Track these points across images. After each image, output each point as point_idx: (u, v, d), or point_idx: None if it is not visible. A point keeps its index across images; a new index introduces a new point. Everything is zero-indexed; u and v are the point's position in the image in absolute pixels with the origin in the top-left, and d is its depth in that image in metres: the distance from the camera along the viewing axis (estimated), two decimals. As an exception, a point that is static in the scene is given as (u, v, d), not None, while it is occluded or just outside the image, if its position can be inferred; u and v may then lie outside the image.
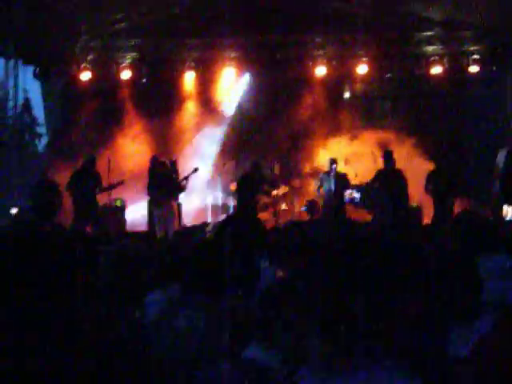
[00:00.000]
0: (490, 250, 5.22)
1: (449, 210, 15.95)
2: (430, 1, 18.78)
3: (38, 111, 24.63)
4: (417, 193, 16.98)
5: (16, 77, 20.59)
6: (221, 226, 6.31)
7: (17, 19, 18.24)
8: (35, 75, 20.88)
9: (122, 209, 18.20)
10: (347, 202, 17.60)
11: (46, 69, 20.63)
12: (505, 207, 15.68)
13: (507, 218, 15.07)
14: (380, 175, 16.89)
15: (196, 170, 17.28)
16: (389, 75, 20.46)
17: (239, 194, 17.39)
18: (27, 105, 31.92)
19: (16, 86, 20.71)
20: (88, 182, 16.20)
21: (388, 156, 16.92)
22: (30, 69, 20.83)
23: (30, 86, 22.99)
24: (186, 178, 17.02)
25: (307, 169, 19.65)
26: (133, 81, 20.39)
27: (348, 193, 17.39)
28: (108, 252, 5.45)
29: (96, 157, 16.97)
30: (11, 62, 20.37)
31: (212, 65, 20.40)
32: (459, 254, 4.77)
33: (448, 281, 4.30)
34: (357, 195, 17.58)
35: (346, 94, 21.40)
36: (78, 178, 16.14)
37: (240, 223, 6.57)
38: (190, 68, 20.30)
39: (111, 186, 16.85)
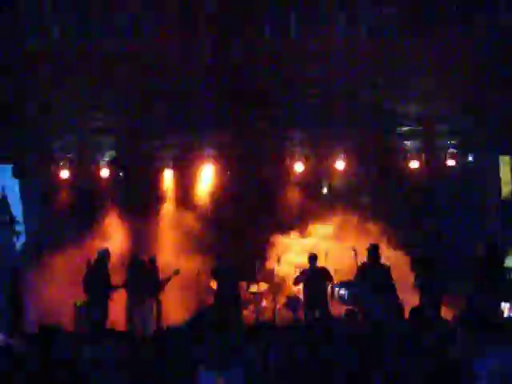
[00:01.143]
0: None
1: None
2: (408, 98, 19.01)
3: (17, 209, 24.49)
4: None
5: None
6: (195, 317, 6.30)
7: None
8: (13, 173, 20.84)
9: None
10: (336, 300, 17.50)
11: (23, 167, 20.60)
12: (502, 304, 15.68)
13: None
14: (364, 270, 16.76)
15: (177, 272, 17.34)
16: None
17: (218, 285, 17.51)
18: (5, 203, 31.82)
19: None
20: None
21: (373, 250, 16.81)
22: (8, 167, 20.85)
23: (8, 184, 22.85)
24: (168, 280, 17.24)
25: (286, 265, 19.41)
26: (111, 179, 20.55)
27: (336, 291, 17.24)
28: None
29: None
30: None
31: (190, 163, 20.61)
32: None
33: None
34: (343, 292, 17.34)
35: (324, 190, 21.34)
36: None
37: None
38: (168, 166, 20.59)
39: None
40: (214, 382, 4.94)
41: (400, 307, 15.84)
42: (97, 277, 17.03)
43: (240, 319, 17.09)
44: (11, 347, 8.93)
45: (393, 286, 16.45)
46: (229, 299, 17.17)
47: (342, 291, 17.40)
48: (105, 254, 17.34)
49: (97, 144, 20.44)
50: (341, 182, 20.99)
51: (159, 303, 17.46)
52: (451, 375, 4.80)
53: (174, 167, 20.69)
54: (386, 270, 16.53)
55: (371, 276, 16.48)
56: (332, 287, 17.64)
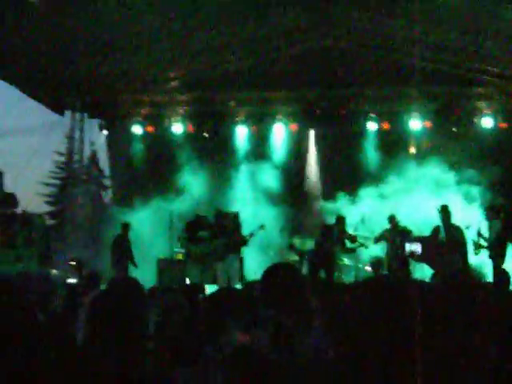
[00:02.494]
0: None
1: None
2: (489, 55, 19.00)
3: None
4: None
5: (82, 130, 21.44)
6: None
7: (84, 74, 19.09)
8: (100, 128, 21.53)
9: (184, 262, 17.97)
10: (408, 256, 17.16)
11: (110, 122, 21.28)
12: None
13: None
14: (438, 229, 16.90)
15: (262, 226, 17.12)
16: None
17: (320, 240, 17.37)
18: (94, 157, 32.67)
19: (82, 138, 21.55)
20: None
21: (444, 210, 16.95)
22: (96, 122, 21.60)
23: (97, 139, 23.59)
24: (252, 235, 17.04)
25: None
26: (186, 135, 21.05)
27: (408, 246, 17.24)
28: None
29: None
30: (77, 115, 21.21)
31: (265, 120, 20.97)
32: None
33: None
34: (418, 248, 17.27)
35: (412, 149, 21.10)
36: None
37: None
38: (242, 122, 20.88)
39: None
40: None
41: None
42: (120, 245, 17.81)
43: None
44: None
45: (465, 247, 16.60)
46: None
47: (416, 247, 16.95)
48: (126, 227, 18.03)
49: (170, 101, 21.09)
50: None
51: (241, 260, 17.43)
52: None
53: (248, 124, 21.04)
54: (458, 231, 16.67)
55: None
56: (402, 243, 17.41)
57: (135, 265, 17.85)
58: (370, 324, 2.78)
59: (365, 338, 2.79)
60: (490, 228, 16.49)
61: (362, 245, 17.74)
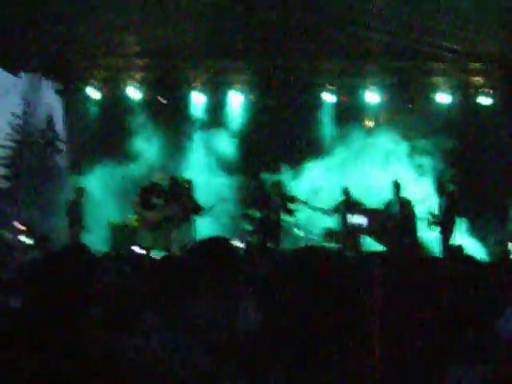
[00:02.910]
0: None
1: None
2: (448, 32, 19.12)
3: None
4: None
5: (38, 92, 21.23)
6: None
7: (41, 36, 18.89)
8: (57, 91, 21.36)
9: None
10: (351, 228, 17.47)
11: (67, 86, 21.11)
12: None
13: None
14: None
15: (212, 207, 17.11)
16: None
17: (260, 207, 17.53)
18: (50, 120, 32.41)
19: (38, 101, 21.37)
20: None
21: (396, 184, 17.29)
22: (53, 85, 21.41)
23: (53, 102, 23.43)
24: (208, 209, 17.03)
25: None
26: (143, 100, 20.98)
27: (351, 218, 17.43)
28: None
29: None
30: (34, 78, 20.99)
31: (221, 87, 20.92)
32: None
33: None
34: (363, 221, 17.47)
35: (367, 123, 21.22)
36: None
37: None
38: (198, 89, 20.85)
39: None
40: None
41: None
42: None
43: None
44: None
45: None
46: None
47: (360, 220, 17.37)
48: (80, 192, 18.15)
49: (127, 66, 21.00)
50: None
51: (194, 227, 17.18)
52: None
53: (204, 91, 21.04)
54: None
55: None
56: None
57: (85, 229, 17.80)
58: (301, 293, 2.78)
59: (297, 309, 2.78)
60: (440, 203, 16.77)
61: (303, 202, 17.73)
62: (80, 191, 18.00)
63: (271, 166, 19.74)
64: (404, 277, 4.76)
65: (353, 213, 17.34)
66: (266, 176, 18.75)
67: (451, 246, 14.87)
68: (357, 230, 17.07)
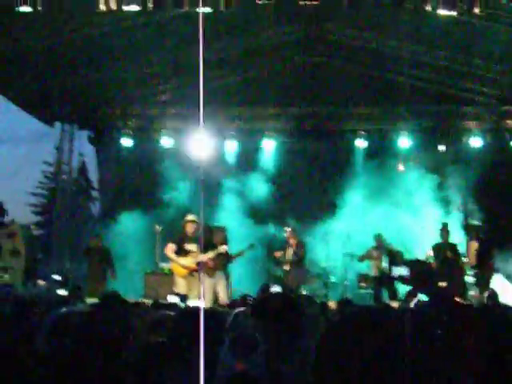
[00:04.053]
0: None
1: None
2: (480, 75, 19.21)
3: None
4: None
5: (71, 141, 21.41)
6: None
7: (73, 85, 19.11)
8: (90, 140, 21.52)
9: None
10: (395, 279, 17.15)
11: (100, 134, 21.27)
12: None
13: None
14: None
15: (252, 246, 16.82)
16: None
17: None
18: (83, 168, 32.67)
19: (71, 149, 21.52)
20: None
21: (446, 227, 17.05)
22: (86, 133, 21.60)
23: (86, 151, 23.63)
24: (240, 254, 16.82)
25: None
26: (175, 148, 20.96)
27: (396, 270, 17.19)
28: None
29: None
30: (67, 127, 21.19)
31: (253, 134, 21.08)
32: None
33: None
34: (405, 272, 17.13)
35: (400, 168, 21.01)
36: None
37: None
38: (232, 137, 20.97)
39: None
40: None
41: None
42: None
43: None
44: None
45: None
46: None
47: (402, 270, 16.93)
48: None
49: (158, 114, 21.20)
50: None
51: (228, 276, 16.82)
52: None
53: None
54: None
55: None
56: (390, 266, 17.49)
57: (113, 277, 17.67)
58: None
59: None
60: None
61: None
62: (95, 239, 17.89)
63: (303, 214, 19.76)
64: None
65: (396, 264, 17.11)
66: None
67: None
68: (400, 280, 16.83)
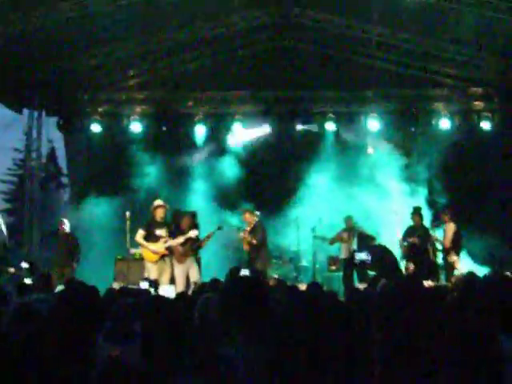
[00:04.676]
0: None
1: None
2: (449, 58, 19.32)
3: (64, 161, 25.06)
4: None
5: (39, 127, 21.25)
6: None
7: (41, 73, 18.97)
8: (58, 126, 21.35)
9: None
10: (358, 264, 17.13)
11: (68, 121, 21.12)
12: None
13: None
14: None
15: (220, 227, 16.94)
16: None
17: None
18: (52, 154, 32.48)
19: (39, 136, 21.36)
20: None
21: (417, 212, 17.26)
22: (55, 120, 21.42)
23: (55, 137, 23.47)
24: (208, 237, 16.80)
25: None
26: (144, 133, 20.90)
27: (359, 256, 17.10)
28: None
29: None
30: (35, 114, 21.03)
31: (223, 118, 20.99)
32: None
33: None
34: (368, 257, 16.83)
35: (370, 150, 21.06)
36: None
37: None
38: (201, 121, 20.78)
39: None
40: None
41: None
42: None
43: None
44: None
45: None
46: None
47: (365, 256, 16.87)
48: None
49: (128, 99, 21.05)
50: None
51: (199, 260, 16.92)
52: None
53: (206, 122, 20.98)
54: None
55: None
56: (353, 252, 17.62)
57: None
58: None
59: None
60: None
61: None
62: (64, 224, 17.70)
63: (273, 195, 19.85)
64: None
65: (361, 250, 17.18)
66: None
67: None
68: (362, 265, 16.88)
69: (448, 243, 16.59)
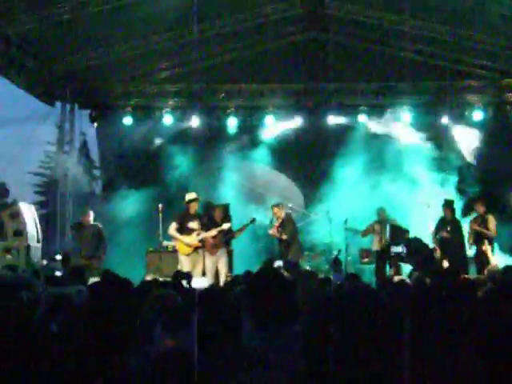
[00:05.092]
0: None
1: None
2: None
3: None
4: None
5: (72, 120, 21.41)
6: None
7: (73, 65, 19.11)
8: (91, 119, 21.48)
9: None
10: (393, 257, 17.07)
11: (100, 113, 21.25)
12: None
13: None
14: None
15: (253, 220, 16.99)
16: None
17: None
18: (84, 147, 32.53)
19: (72, 129, 21.52)
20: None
21: (449, 205, 17.12)
22: (87, 112, 21.55)
23: (88, 130, 23.61)
24: (241, 229, 16.97)
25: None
26: (175, 126, 21.14)
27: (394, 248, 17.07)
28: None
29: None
30: (68, 106, 21.18)
31: (254, 111, 21.09)
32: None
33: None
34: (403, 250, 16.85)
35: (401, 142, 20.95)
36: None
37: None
38: (232, 114, 20.84)
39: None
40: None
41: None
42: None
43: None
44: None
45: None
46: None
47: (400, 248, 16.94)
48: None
49: (160, 92, 21.12)
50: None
51: (230, 252, 17.12)
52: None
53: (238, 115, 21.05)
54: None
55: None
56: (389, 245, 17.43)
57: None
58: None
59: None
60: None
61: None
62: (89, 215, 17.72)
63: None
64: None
65: (398, 238, 17.12)
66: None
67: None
68: (398, 258, 16.83)
69: (494, 234, 16.42)
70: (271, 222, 17.53)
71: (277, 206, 17.48)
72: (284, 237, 16.90)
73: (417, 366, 3.81)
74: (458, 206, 18.36)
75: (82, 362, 4.26)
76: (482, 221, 16.51)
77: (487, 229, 16.34)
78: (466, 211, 18.15)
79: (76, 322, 4.86)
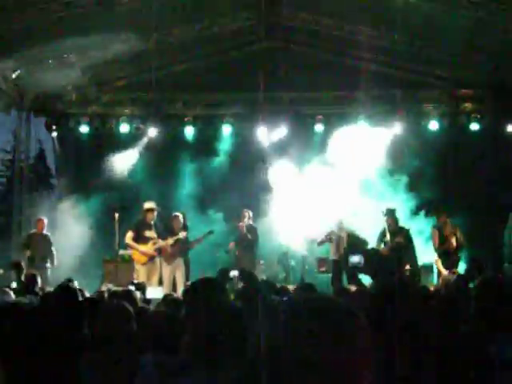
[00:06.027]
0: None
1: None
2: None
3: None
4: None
5: (28, 128, 21.21)
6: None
7: (29, 73, 18.93)
8: (46, 127, 21.30)
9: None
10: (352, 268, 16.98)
11: (56, 121, 21.06)
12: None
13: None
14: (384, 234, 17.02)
15: (211, 232, 17.09)
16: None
17: None
18: (41, 156, 32.37)
19: (28, 137, 21.31)
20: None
21: (391, 214, 17.08)
22: (43, 120, 21.36)
23: (43, 138, 23.44)
24: (199, 240, 17.10)
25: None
26: (132, 134, 20.96)
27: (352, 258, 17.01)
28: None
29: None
30: (24, 114, 20.97)
31: (211, 121, 21.01)
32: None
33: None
34: (361, 260, 16.91)
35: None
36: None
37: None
38: (190, 123, 20.76)
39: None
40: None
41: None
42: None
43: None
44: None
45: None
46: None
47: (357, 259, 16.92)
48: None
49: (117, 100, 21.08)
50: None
51: (187, 262, 17.23)
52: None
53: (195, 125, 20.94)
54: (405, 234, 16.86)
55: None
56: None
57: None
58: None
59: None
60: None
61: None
62: (41, 223, 17.74)
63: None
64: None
65: (355, 249, 17.15)
66: None
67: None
68: (355, 268, 16.87)
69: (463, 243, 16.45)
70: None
71: (247, 211, 17.79)
72: (249, 236, 17.01)
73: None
74: (408, 206, 18.75)
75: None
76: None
77: (455, 237, 16.38)
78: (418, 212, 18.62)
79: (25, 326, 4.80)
